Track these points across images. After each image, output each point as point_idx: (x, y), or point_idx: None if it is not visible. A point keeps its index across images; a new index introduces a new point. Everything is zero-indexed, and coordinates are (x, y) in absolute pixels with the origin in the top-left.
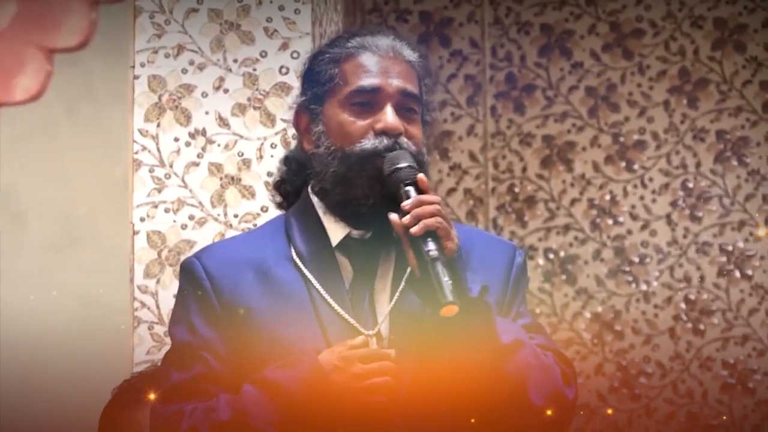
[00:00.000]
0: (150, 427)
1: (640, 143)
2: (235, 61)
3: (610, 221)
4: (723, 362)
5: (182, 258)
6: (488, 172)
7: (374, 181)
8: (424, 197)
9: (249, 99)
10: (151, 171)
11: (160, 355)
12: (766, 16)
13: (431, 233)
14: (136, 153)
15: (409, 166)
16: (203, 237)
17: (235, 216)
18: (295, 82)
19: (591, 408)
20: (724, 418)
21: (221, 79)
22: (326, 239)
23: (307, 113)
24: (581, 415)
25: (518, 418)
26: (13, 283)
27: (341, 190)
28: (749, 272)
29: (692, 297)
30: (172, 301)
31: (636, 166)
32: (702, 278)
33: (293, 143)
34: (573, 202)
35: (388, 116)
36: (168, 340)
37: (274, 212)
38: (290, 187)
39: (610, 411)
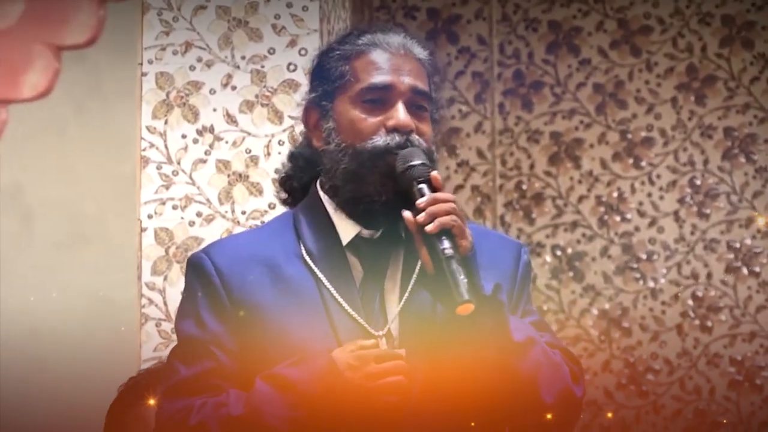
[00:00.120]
0: (156, 423)
1: (648, 140)
2: (243, 58)
3: (618, 218)
4: (730, 359)
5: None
6: (496, 169)
7: (386, 178)
8: (439, 195)
9: (257, 96)
10: (158, 168)
11: (168, 351)
12: None
13: (446, 231)
14: (144, 150)
15: (422, 163)
16: (211, 234)
17: (243, 213)
18: (303, 79)
19: (598, 405)
20: (725, 422)
21: (229, 76)
22: (336, 238)
23: (316, 110)
24: (589, 411)
25: (529, 416)
26: (21, 280)
27: (352, 187)
28: (757, 269)
29: (700, 294)
30: (180, 298)
31: (644, 163)
32: (709, 275)
33: (300, 140)
34: (580, 199)
35: (400, 113)
36: (175, 337)
37: (282, 209)
38: (297, 183)
39: (610, 415)
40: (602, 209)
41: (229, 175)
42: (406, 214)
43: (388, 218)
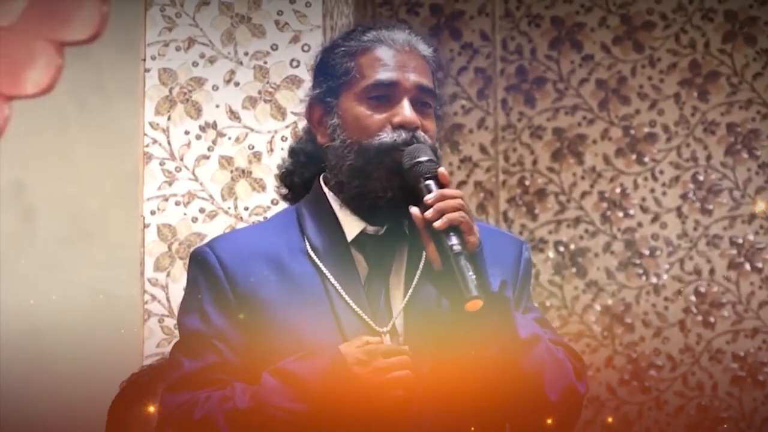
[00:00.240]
0: (159, 417)
1: (651, 136)
2: (246, 54)
3: (621, 214)
4: (733, 355)
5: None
6: (499, 165)
7: (392, 174)
8: (447, 191)
9: (260, 92)
10: (161, 164)
11: (171, 348)
12: None
13: (454, 227)
14: (147, 146)
15: (429, 159)
16: (214, 230)
17: (246, 209)
18: (305, 75)
19: (601, 400)
20: (725, 427)
21: (232, 72)
22: (341, 234)
23: (321, 106)
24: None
25: (533, 412)
26: (23, 277)
27: (358, 183)
28: (759, 265)
29: (702, 289)
30: (183, 294)
31: (646, 159)
32: (712, 271)
33: (301, 135)
34: (583, 194)
35: (406, 110)
36: (178, 332)
37: (285, 206)
38: (298, 179)
39: (610, 419)
40: (605, 205)
41: (232, 171)
42: (414, 210)
43: (394, 214)
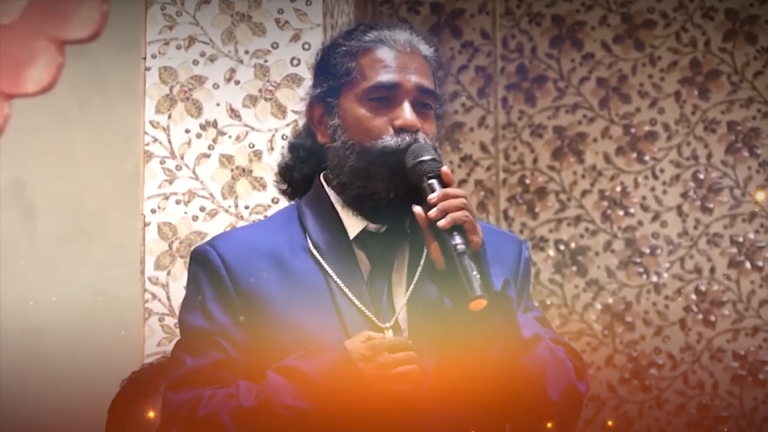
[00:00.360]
0: (162, 416)
1: (651, 134)
2: (247, 52)
3: (621, 212)
4: (734, 353)
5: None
6: (499, 164)
7: (395, 174)
8: (451, 190)
9: (260, 90)
10: (162, 162)
11: (171, 346)
12: None
13: (457, 227)
14: (147, 144)
15: (432, 159)
16: (214, 229)
17: (246, 207)
18: (306, 73)
19: (602, 399)
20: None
21: (232, 71)
22: (343, 231)
23: (321, 105)
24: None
25: (533, 412)
26: (23, 275)
27: (361, 184)
28: (760, 263)
29: (703, 288)
30: (183, 293)
31: (647, 158)
32: (713, 269)
33: (300, 131)
34: (584, 193)
35: (407, 113)
36: (179, 331)
37: (285, 204)
38: (298, 174)
39: (610, 423)
40: (605, 204)
41: (232, 170)
42: (417, 209)
43: (396, 214)
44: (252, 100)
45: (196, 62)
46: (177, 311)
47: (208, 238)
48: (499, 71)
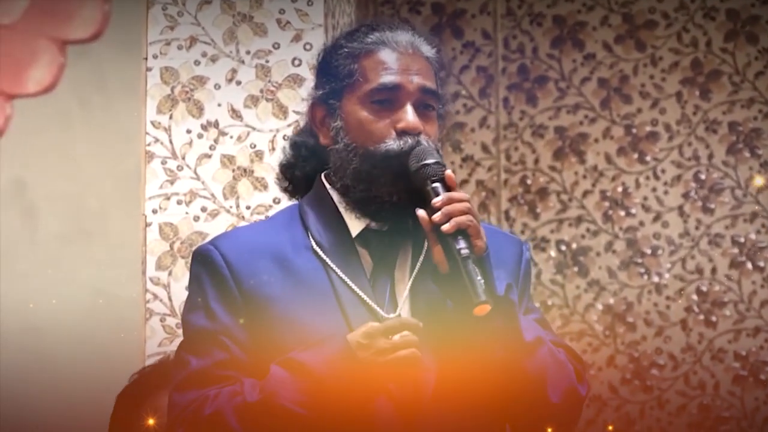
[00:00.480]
0: (169, 417)
1: (653, 135)
2: (248, 52)
3: (623, 213)
4: (735, 354)
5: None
6: (500, 164)
7: (398, 178)
8: (455, 195)
9: (261, 91)
10: (163, 163)
11: (172, 347)
12: None
13: (461, 231)
14: (149, 145)
15: (436, 162)
16: (215, 229)
17: (248, 208)
18: (307, 73)
19: (603, 399)
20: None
21: (234, 71)
22: (345, 230)
23: (323, 107)
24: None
25: (534, 414)
26: (24, 275)
27: (364, 187)
28: (761, 264)
29: (704, 288)
30: (185, 294)
31: (648, 158)
32: (714, 270)
33: (301, 129)
34: (585, 193)
35: (409, 116)
36: (180, 331)
37: (287, 204)
38: (299, 172)
39: (610, 428)
40: (607, 204)
41: (233, 170)
42: (421, 213)
43: (399, 215)
44: (253, 101)
45: (197, 62)
46: (178, 312)
47: (209, 238)
48: (501, 71)
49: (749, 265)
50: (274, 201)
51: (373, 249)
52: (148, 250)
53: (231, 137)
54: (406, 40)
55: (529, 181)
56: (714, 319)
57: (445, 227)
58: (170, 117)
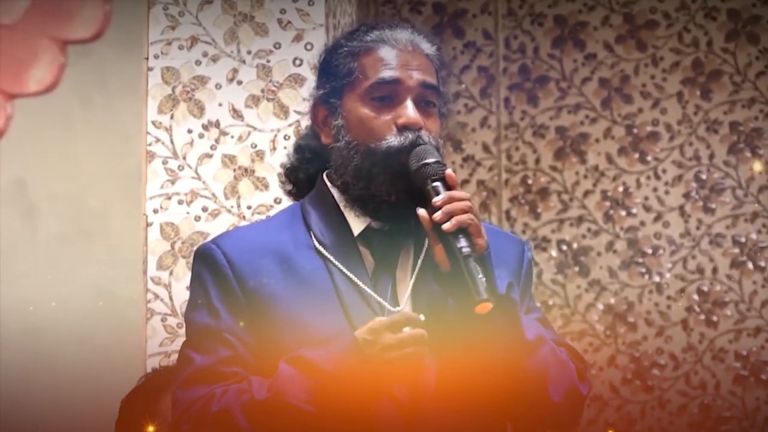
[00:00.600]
0: (174, 414)
1: (654, 135)
2: (249, 52)
3: (623, 213)
4: (736, 354)
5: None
6: (501, 164)
7: (398, 177)
8: (455, 193)
9: (262, 90)
10: (164, 163)
11: (173, 346)
12: None
13: (462, 230)
14: (150, 145)
15: (437, 161)
16: (216, 229)
17: (249, 208)
18: (308, 73)
19: (604, 399)
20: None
21: (235, 71)
22: (347, 229)
23: (324, 106)
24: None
25: (536, 413)
26: (25, 275)
27: (363, 185)
28: (762, 264)
29: (705, 288)
30: (186, 293)
31: (649, 158)
32: (715, 270)
33: (304, 133)
34: (586, 193)
35: (409, 111)
36: (181, 331)
37: (288, 204)
38: (303, 175)
39: None
40: (608, 204)
41: (234, 170)
42: (421, 212)
43: (399, 215)
44: (254, 101)
45: (198, 62)
46: (179, 311)
47: (211, 237)
48: (502, 71)
49: (750, 265)
50: (275, 201)
51: (375, 248)
52: (149, 250)
53: (232, 137)
54: (406, 37)
55: (530, 181)
56: (715, 319)
57: (446, 226)
58: (171, 117)
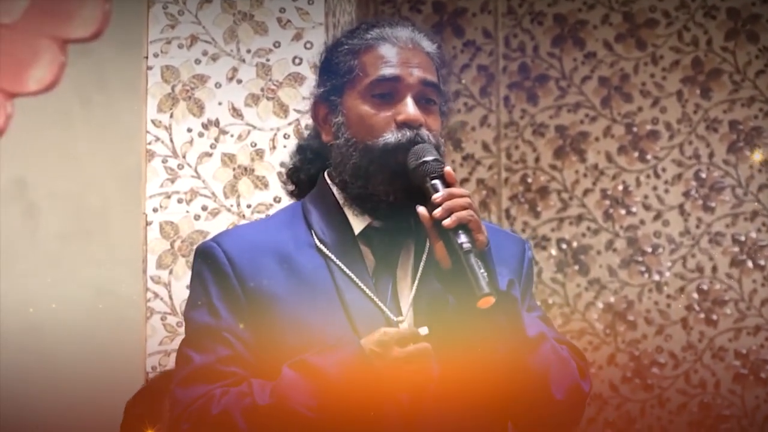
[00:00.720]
0: (172, 413)
1: (653, 133)
2: (249, 51)
3: (623, 211)
4: (735, 352)
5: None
6: (501, 163)
7: (396, 176)
8: (455, 190)
9: (262, 89)
10: (164, 161)
11: (173, 345)
12: None
13: (463, 226)
14: (149, 143)
15: (435, 159)
16: (216, 228)
17: (248, 206)
18: (308, 72)
19: (603, 398)
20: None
21: (234, 70)
22: (348, 228)
23: (325, 104)
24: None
25: (537, 410)
26: (25, 274)
27: (362, 183)
28: (762, 262)
29: (705, 287)
30: (185, 292)
31: (649, 157)
32: (714, 268)
33: (306, 133)
34: (586, 192)
35: (409, 108)
36: (181, 330)
37: (287, 203)
38: (304, 175)
39: None
40: (607, 203)
41: (234, 169)
42: (421, 209)
43: (398, 214)
44: (254, 99)
45: (198, 61)
46: (179, 310)
47: (211, 236)
48: (501, 70)
49: (750, 264)
50: (274, 200)
51: (376, 247)
52: (148, 249)
53: (232, 136)
54: (406, 35)
55: (529, 180)
56: (714, 317)
57: (446, 222)
58: (171, 116)
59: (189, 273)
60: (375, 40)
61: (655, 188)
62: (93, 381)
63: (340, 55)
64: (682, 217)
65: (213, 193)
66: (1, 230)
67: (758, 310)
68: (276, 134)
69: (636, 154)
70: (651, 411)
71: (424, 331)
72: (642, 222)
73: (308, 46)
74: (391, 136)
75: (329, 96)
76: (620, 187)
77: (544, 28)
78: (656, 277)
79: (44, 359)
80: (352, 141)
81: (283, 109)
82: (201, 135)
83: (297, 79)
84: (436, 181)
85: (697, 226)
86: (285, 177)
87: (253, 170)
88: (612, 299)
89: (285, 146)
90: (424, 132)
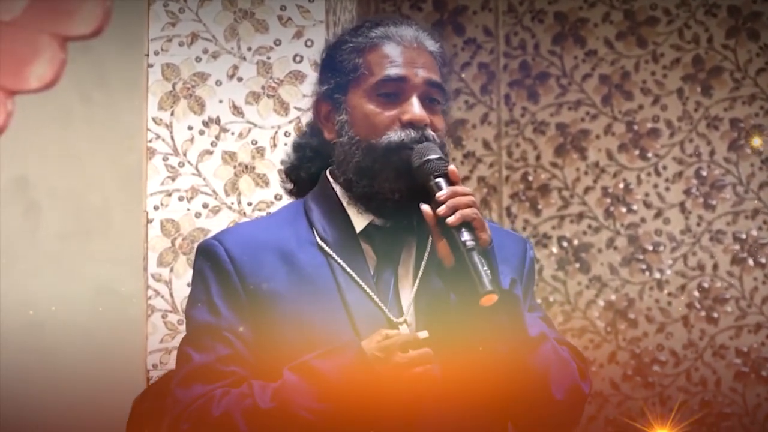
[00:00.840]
0: (172, 412)
1: (654, 131)
2: (249, 49)
3: (624, 209)
4: (736, 350)
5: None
6: (502, 161)
7: (400, 174)
8: (459, 188)
9: (263, 87)
10: (164, 159)
11: (174, 343)
12: None
13: (466, 224)
14: (150, 141)
15: (439, 157)
16: (217, 225)
17: (249, 204)
18: (309, 70)
19: (604, 396)
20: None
21: (235, 68)
22: (349, 226)
23: (328, 102)
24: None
25: (537, 410)
26: (26, 272)
27: (366, 182)
28: (763, 260)
29: (706, 285)
30: (186, 290)
31: (650, 154)
32: (715, 266)
33: (305, 130)
34: (587, 190)
35: (415, 108)
36: (182, 328)
37: (288, 200)
38: (304, 173)
39: None
40: (608, 200)
41: (235, 167)
42: (425, 207)
43: (401, 212)
44: (255, 97)
45: (198, 59)
46: (180, 308)
47: (213, 233)
48: (502, 68)
49: (751, 262)
50: (275, 197)
51: (377, 245)
52: (149, 247)
53: (232, 134)
54: (411, 34)
55: (530, 178)
56: (715, 315)
57: (450, 220)
58: (172, 113)
59: (190, 271)
60: (380, 39)
61: (656, 186)
62: (94, 379)
63: (344, 53)
64: (683, 214)
65: (214, 191)
66: (2, 228)
67: (759, 308)
68: (277, 132)
69: (637, 152)
70: (652, 409)
71: (423, 335)
72: (643, 220)
73: (309, 43)
74: (394, 135)
75: (333, 94)
76: (621, 185)
77: (544, 25)
78: (657, 275)
79: (45, 357)
80: (356, 139)
81: (283, 107)
82: (202, 133)
83: (298, 76)
84: (440, 179)
85: (698, 224)
86: (284, 175)
87: (253, 168)
88: (613, 297)
89: (286, 144)
90: (429, 132)
